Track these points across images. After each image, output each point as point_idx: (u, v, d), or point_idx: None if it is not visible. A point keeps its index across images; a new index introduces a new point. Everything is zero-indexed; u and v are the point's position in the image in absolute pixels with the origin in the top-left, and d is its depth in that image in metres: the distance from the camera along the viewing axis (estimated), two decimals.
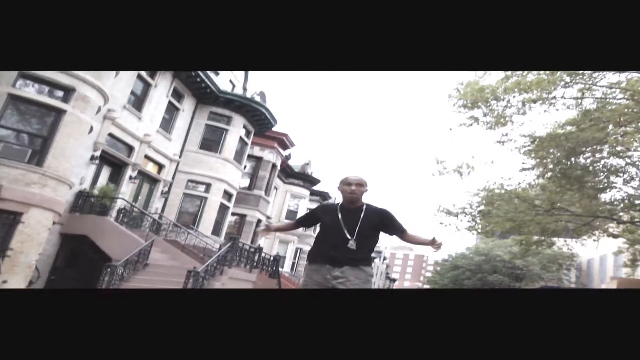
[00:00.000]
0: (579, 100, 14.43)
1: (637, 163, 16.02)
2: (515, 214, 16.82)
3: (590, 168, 15.75)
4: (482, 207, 18.92)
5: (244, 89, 28.44)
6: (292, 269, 35.35)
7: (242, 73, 28.35)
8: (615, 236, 18.67)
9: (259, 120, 24.44)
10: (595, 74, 13.20)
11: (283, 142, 29.09)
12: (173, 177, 21.57)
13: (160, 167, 20.95)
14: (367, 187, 4.41)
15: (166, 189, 21.26)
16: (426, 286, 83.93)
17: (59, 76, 13.10)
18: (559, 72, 12.70)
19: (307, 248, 34.13)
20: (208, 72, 21.29)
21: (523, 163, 16.89)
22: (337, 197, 38.13)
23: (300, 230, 34.11)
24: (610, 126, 13.34)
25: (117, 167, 18.58)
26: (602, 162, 15.86)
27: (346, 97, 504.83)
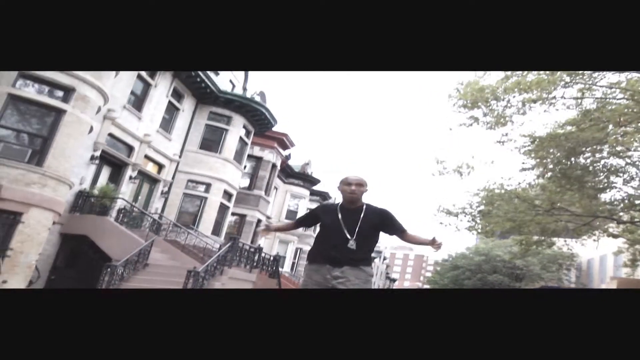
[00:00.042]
0: (579, 100, 14.43)
1: (637, 163, 16.02)
2: (515, 214, 16.83)
3: (590, 168, 15.75)
4: (482, 207, 18.92)
5: (244, 89, 28.44)
6: (292, 268, 35.37)
7: (242, 73, 28.34)
8: (615, 236, 18.68)
9: (259, 120, 24.44)
10: (595, 74, 13.21)
11: (283, 142, 29.10)
12: (173, 177, 21.57)
13: (160, 167, 20.95)
14: (367, 187, 4.42)
15: (166, 189, 21.26)
16: (426, 286, 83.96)
17: (59, 76, 13.10)
18: (559, 72, 12.71)
19: (307, 248, 34.15)
20: (208, 72, 21.29)
21: (523, 163, 16.90)
22: (337, 197, 38.13)
23: (301, 230, 34.14)
24: (610, 126, 13.35)
25: (117, 167, 18.58)
26: (602, 162, 15.87)
27: (346, 97, 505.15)
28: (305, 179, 36.64)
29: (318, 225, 4.59)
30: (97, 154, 16.88)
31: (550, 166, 15.89)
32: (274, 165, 29.00)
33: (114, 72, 15.06)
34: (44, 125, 13.17)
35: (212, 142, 22.71)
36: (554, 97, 13.99)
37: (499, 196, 17.92)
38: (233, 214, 25.11)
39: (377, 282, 75.71)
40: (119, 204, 17.40)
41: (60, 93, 13.32)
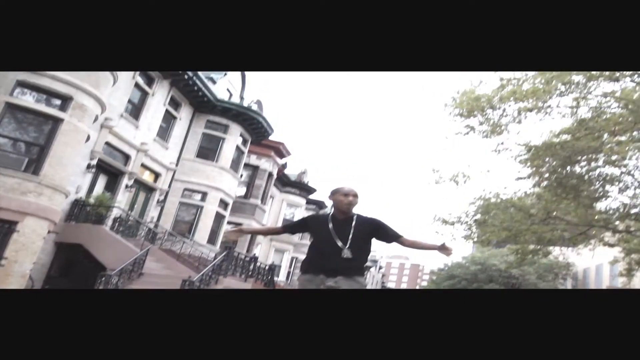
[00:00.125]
0: (574, 109, 14.49)
1: (632, 172, 16.07)
2: (511, 223, 16.84)
3: (586, 177, 15.79)
4: (478, 216, 18.93)
5: (241, 97, 28.48)
6: (287, 278, 35.30)
7: (239, 82, 28.39)
8: (611, 245, 18.69)
9: (256, 129, 24.47)
10: (590, 83, 13.27)
11: (279, 150, 29.12)
12: (169, 186, 21.53)
13: (157, 175, 20.92)
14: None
15: (162, 197, 21.22)
16: None
17: (56, 85, 13.11)
18: (554, 82, 12.76)
19: (303, 257, 33.90)
20: (205, 80, 21.31)
21: (519, 172, 16.93)
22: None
23: (296, 239, 34.15)
24: (605, 135, 13.39)
25: (113, 176, 18.55)
26: (598, 171, 15.91)
27: (343, 107, 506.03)
28: (302, 188, 36.65)
29: (310, 235, 4.61)
30: (94, 162, 16.85)
31: (546, 175, 15.93)
32: (270, 174, 28.99)
33: (111, 81, 15.06)
34: (41, 133, 13.17)
35: (208, 150, 22.71)
36: (550, 106, 14.04)
37: (495, 205, 17.94)
38: (229, 222, 25.06)
39: None
40: (115, 212, 17.35)
41: (57, 102, 13.33)
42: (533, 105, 13.65)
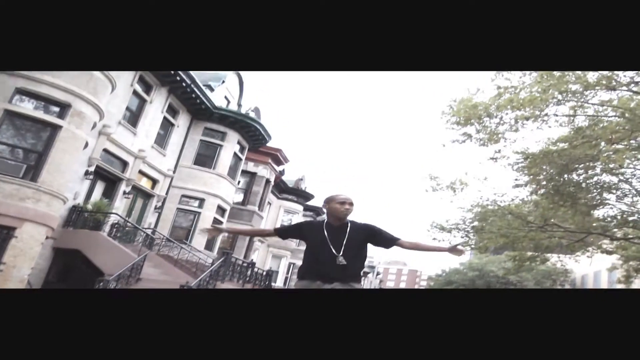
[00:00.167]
0: (572, 118, 14.54)
1: (629, 180, 16.13)
2: (509, 230, 16.87)
3: (583, 185, 15.83)
4: (475, 223, 18.97)
5: (239, 105, 28.53)
6: (284, 283, 35.29)
7: (237, 89, 28.45)
8: (609, 252, 18.74)
9: (253, 136, 24.51)
10: (587, 92, 13.31)
11: (277, 157, 29.16)
12: (167, 192, 21.53)
13: (154, 182, 20.92)
14: None
15: (160, 204, 21.22)
16: None
17: (55, 92, 13.12)
18: (551, 90, 12.80)
19: (300, 263, 33.93)
20: (203, 88, 21.36)
21: (516, 179, 16.97)
22: None
23: (294, 245, 34.13)
24: (603, 143, 13.43)
25: (111, 182, 18.55)
26: (595, 178, 15.95)
27: (340, 113, 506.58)
28: (299, 194, 36.69)
29: (304, 242, 4.64)
30: (92, 169, 16.86)
31: (544, 183, 15.96)
32: (267, 181, 29.03)
33: (109, 88, 15.07)
34: (39, 140, 13.18)
35: (206, 157, 22.73)
36: (547, 115, 14.08)
37: (493, 212, 17.98)
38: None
39: None
40: (113, 218, 17.34)
41: (56, 109, 13.34)
42: (530, 113, 13.69)
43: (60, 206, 13.97)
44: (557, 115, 14.27)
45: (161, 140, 20.85)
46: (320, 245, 4.32)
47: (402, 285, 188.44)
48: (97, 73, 14.03)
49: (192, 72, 19.97)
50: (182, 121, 21.94)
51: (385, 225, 4.56)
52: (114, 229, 17.18)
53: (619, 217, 16.77)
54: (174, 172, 21.82)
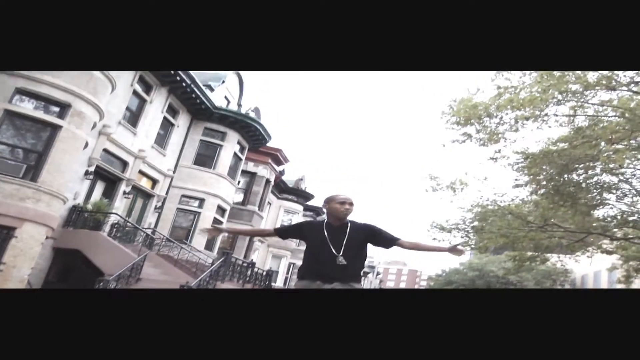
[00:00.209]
0: (572, 118, 14.54)
1: (629, 180, 16.12)
2: (509, 230, 16.87)
3: (583, 185, 15.82)
4: (475, 223, 18.98)
5: (239, 105, 28.54)
6: (284, 283, 35.30)
7: (237, 89, 28.45)
8: (609, 252, 18.74)
9: (253, 136, 24.52)
10: (587, 92, 13.31)
11: (277, 157, 29.17)
12: (167, 192, 21.54)
13: (154, 182, 20.93)
14: None
15: (160, 204, 21.23)
16: None
17: (55, 92, 13.13)
18: (551, 90, 12.80)
19: (300, 263, 33.94)
20: (203, 88, 21.36)
21: (516, 179, 16.97)
22: None
23: (294, 245, 34.14)
24: (603, 143, 13.43)
25: (111, 182, 18.56)
26: (595, 178, 15.95)
27: (340, 113, 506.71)
28: (299, 194, 36.70)
29: (304, 242, 4.64)
30: (92, 169, 16.86)
31: (544, 183, 15.96)
32: (267, 181, 29.03)
33: (109, 88, 15.08)
34: (39, 140, 13.19)
35: (206, 157, 22.74)
36: (547, 115, 14.08)
37: (492, 212, 17.98)
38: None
39: None
40: (113, 218, 17.35)
41: (56, 109, 13.34)
42: (530, 113, 13.68)
43: (60, 206, 13.98)
44: (557, 115, 14.28)
45: (161, 140, 20.85)
46: (320, 245, 4.33)
47: (402, 286, 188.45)
48: (97, 73, 14.03)
49: (192, 72, 19.97)
50: (182, 121, 21.95)
51: (385, 226, 4.57)
52: (114, 229, 17.19)
53: (619, 217, 16.77)
54: (174, 172, 21.83)
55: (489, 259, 41.51)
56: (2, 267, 12.28)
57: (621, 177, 15.92)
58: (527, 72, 13.36)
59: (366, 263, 4.66)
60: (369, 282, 79.44)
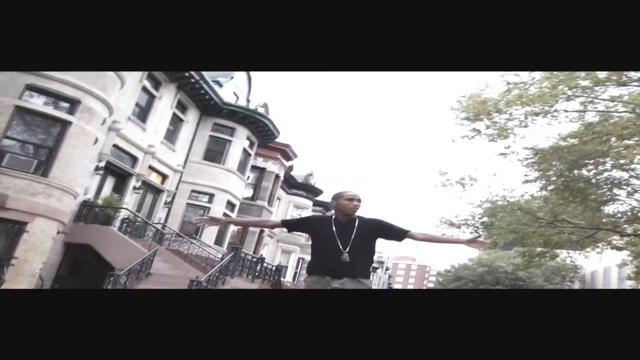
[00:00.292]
0: (582, 114, 14.45)
1: None
2: (518, 226, 16.80)
3: (593, 180, 15.73)
4: (484, 219, 18.92)
5: (248, 100, 28.57)
6: (294, 278, 35.36)
7: (246, 85, 28.48)
8: (619, 249, 18.61)
9: (263, 132, 24.56)
10: (597, 87, 13.23)
11: (286, 153, 29.19)
12: (176, 188, 21.64)
13: (164, 177, 21.03)
14: None
15: (169, 199, 21.33)
16: None
17: (65, 88, 13.21)
18: (560, 86, 12.72)
19: (309, 258, 33.90)
20: (212, 84, 21.40)
21: (526, 175, 16.88)
22: None
23: (303, 240, 34.18)
24: (613, 139, 13.35)
25: (121, 178, 18.68)
26: (605, 174, 15.84)
27: (349, 108, 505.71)
28: (308, 190, 36.72)
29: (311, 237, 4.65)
30: (102, 164, 16.97)
31: (553, 178, 15.88)
32: (277, 176, 29.07)
33: (119, 84, 15.16)
34: (49, 136, 13.29)
35: (215, 153, 22.82)
36: (556, 110, 13.99)
37: (502, 208, 17.91)
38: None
39: None
40: (123, 213, 17.47)
41: (66, 105, 13.43)
42: (540, 109, 13.59)
43: (70, 201, 14.09)
44: (567, 111, 14.18)
45: (170, 136, 20.94)
46: (328, 241, 4.33)
47: (411, 281, 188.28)
48: None
49: None
50: (191, 117, 22.03)
51: (395, 221, 4.57)
52: (124, 224, 17.31)
53: (629, 213, 16.66)
54: (184, 167, 21.92)
55: (498, 254, 41.37)
56: (14, 261, 12.40)
57: (632, 173, 15.79)
58: None
59: (375, 258, 4.67)
60: (377, 278, 79.50)
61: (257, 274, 17.86)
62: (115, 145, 17.50)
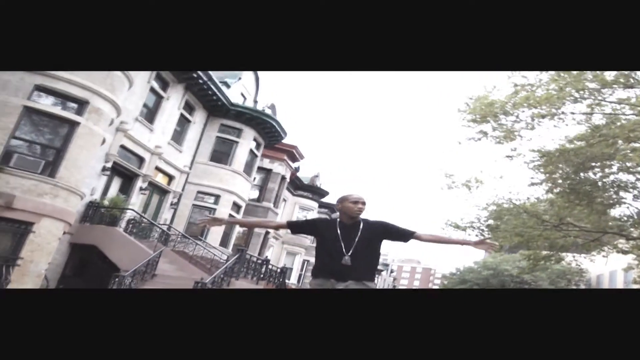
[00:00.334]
0: (588, 116, 14.41)
1: None
2: (524, 229, 16.77)
3: (600, 183, 15.69)
4: (490, 222, 18.90)
5: (255, 101, 28.61)
6: (298, 280, 35.35)
7: (253, 86, 28.53)
8: (625, 252, 18.54)
9: (269, 133, 24.59)
10: (604, 90, 13.19)
11: (292, 154, 29.20)
12: (183, 189, 21.68)
13: (171, 178, 21.07)
14: None
15: (176, 200, 21.37)
16: None
17: (73, 89, 13.25)
18: (567, 88, 12.70)
19: (314, 260, 33.72)
20: (219, 84, 21.45)
21: (532, 178, 16.86)
22: None
23: (308, 242, 34.17)
24: (620, 142, 13.31)
25: (127, 178, 18.72)
26: (612, 177, 15.80)
27: (356, 110, 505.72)
28: (314, 191, 36.71)
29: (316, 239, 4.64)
30: (109, 165, 17.02)
31: (559, 181, 15.85)
32: (283, 178, 29.08)
33: (127, 85, 15.21)
34: (57, 136, 13.33)
35: (222, 154, 22.84)
36: (563, 113, 13.97)
37: (508, 211, 17.89)
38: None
39: None
40: (129, 214, 17.51)
41: (74, 105, 13.47)
42: (547, 111, 13.58)
43: (77, 202, 14.13)
44: (573, 114, 14.16)
45: (177, 137, 20.99)
46: (332, 244, 4.33)
47: (416, 284, 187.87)
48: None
49: None
50: (198, 118, 22.08)
51: (401, 223, 4.57)
52: (130, 225, 17.35)
53: (635, 217, 16.61)
54: (190, 168, 21.96)
55: (504, 257, 41.28)
56: (19, 261, 12.44)
57: (638, 176, 15.73)
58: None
59: (380, 261, 4.67)
60: (382, 280, 79.44)
61: (262, 275, 17.86)
62: (122, 146, 17.56)
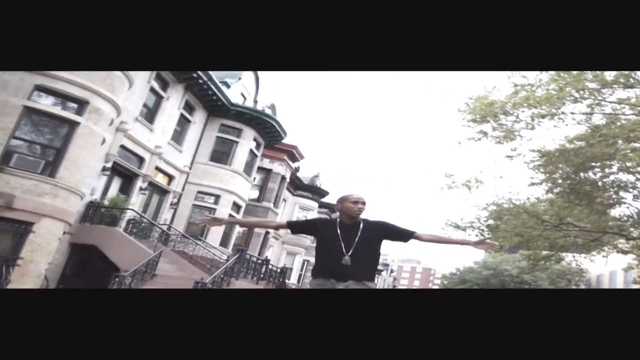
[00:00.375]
0: (588, 116, 14.41)
1: None
2: (524, 229, 16.77)
3: (600, 183, 15.69)
4: (490, 222, 18.90)
5: (255, 101, 28.61)
6: (298, 280, 35.35)
7: (253, 86, 28.53)
8: (625, 252, 18.54)
9: (269, 133, 24.59)
10: (604, 90, 13.19)
11: (292, 154, 29.20)
12: (183, 189, 21.68)
13: (171, 178, 21.07)
14: None
15: (175, 200, 21.36)
16: None
17: (73, 89, 13.25)
18: (567, 88, 12.70)
19: (314, 260, 33.70)
20: (219, 84, 21.45)
21: (532, 178, 16.87)
22: None
23: (308, 242, 34.18)
24: (620, 142, 13.30)
25: (127, 178, 18.72)
26: (612, 177, 15.80)
27: (356, 110, 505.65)
28: (314, 191, 36.71)
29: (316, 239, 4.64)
30: (109, 165, 17.02)
31: (559, 181, 15.85)
32: (283, 178, 29.08)
33: (127, 85, 15.21)
34: (57, 136, 13.33)
35: (222, 154, 22.84)
36: (563, 113, 13.97)
37: (508, 211, 17.89)
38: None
39: None
40: (129, 214, 17.51)
41: (74, 105, 13.47)
42: (547, 111, 13.58)
43: (77, 202, 14.13)
44: (573, 114, 14.16)
45: (178, 137, 20.99)
46: (332, 244, 4.33)
47: (416, 284, 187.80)
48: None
49: None
50: (198, 118, 22.08)
51: (401, 223, 4.57)
52: (130, 225, 17.35)
53: (635, 217, 16.61)
54: (190, 168, 21.96)
55: (504, 257, 41.28)
56: (19, 261, 12.44)
57: (638, 176, 15.74)
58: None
59: (380, 261, 4.67)
60: (382, 280, 79.47)
61: (262, 275, 17.86)
62: (122, 146, 17.56)
